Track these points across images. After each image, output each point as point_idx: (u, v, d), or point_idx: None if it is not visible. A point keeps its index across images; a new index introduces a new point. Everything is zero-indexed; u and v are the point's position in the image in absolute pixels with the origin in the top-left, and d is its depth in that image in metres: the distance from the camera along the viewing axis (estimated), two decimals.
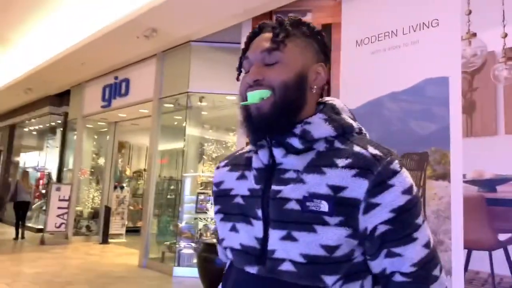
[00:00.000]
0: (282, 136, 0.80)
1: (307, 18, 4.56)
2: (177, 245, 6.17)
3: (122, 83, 7.90)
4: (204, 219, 6.55)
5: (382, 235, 0.74)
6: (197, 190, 6.79)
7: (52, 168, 11.24)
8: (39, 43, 8.17)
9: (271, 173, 0.81)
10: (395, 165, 0.75)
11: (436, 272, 0.77)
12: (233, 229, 0.85)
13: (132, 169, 12.02)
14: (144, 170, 11.32)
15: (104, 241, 8.80)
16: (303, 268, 0.74)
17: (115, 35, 6.34)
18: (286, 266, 0.75)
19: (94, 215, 9.76)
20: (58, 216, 8.75)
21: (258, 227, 0.80)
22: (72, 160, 10.06)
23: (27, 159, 13.85)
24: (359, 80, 3.91)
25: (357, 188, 0.73)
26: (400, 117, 3.59)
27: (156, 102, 6.91)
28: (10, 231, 9.82)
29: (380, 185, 0.73)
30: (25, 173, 10.94)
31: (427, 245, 0.76)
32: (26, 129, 13.68)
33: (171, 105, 6.92)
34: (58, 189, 8.87)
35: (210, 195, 6.86)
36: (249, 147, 0.91)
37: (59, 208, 8.76)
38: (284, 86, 0.79)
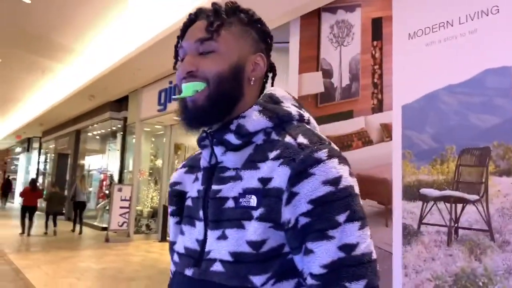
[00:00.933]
0: (221, 133, 0.77)
1: (356, 13, 4.47)
2: None
3: (176, 88, 8.21)
4: None
5: (302, 228, 0.67)
6: None
7: (114, 170, 11.93)
8: (100, 52, 8.71)
9: (213, 172, 0.79)
10: (321, 153, 0.69)
11: (351, 285, 0.64)
12: (181, 232, 0.84)
13: None
14: None
15: (163, 239, 9.20)
16: (231, 268, 0.70)
17: (168, 41, 6.60)
18: (216, 267, 0.72)
19: (153, 214, 10.23)
20: (120, 215, 9.27)
21: (199, 229, 0.78)
22: (131, 162, 10.60)
23: (91, 162, 14.81)
24: (413, 74, 3.77)
25: (280, 177, 0.70)
26: (458, 111, 3.41)
27: None
28: (82, 229, 10.54)
29: (301, 173, 0.68)
30: (83, 177, 11.89)
31: (345, 248, 0.65)
32: (90, 134, 14.62)
33: None
34: (119, 190, 9.40)
35: None
36: None
37: (121, 207, 9.28)
38: (218, 78, 0.75)
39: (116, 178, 11.50)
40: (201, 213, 0.79)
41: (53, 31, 7.92)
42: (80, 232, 10.52)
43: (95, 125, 13.27)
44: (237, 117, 0.77)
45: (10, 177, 24.33)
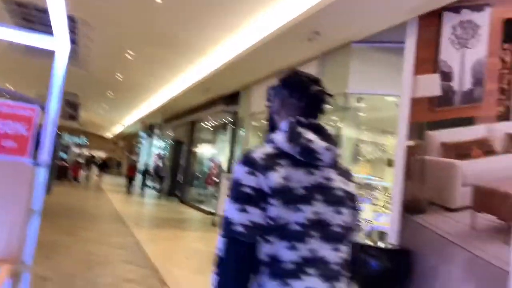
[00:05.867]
0: None
1: (484, 12, 4.09)
2: None
3: None
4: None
5: None
6: None
7: (223, 159, 12.72)
8: (218, 50, 9.35)
9: None
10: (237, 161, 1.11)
11: (221, 232, 1.04)
12: None
13: None
14: None
15: None
16: None
17: (281, 39, 6.81)
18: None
19: None
20: None
21: None
22: (239, 153, 11.19)
23: (203, 150, 15.98)
24: None
25: None
26: None
27: None
28: (191, 212, 11.51)
29: None
30: (162, 158, 18.38)
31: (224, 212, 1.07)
32: (203, 125, 15.78)
33: (329, 106, 7.06)
34: (228, 179, 10.02)
35: (364, 196, 6.77)
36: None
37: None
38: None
39: (224, 167, 12.26)
40: None
41: (180, 30, 8.72)
42: (160, 196, 16.75)
43: (208, 117, 14.27)
44: None
45: (134, 159, 27.56)
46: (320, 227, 1.05)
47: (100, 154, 35.37)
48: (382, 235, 6.34)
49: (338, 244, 1.08)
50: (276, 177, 1.03)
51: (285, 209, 1.01)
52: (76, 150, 32.09)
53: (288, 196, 1.02)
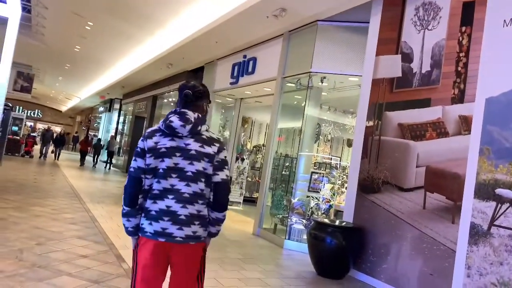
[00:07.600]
0: None
1: None
2: (288, 220, 6.42)
3: (250, 62, 8.31)
4: (316, 198, 6.64)
5: None
6: (311, 169, 6.89)
7: None
8: (181, 23, 9.04)
9: None
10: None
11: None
12: None
13: (252, 143, 12.67)
14: (263, 145, 11.84)
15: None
16: None
17: (247, 14, 6.66)
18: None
19: None
20: None
21: None
22: None
23: None
24: (504, 65, 3.47)
25: None
26: None
27: (279, 81, 7.12)
28: None
29: None
30: (112, 137, 19.15)
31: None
32: (165, 100, 15.39)
33: (293, 85, 7.06)
34: None
35: (323, 175, 6.90)
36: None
37: None
38: None
39: None
40: None
41: (142, 1, 8.34)
42: (109, 168, 17.48)
43: (171, 92, 13.92)
44: None
45: (92, 134, 26.62)
46: (177, 171, 1.84)
47: (55, 129, 33.88)
48: (338, 213, 6.51)
49: (191, 182, 1.85)
50: (151, 142, 1.87)
51: (155, 160, 1.85)
52: (29, 123, 30.55)
53: (156, 152, 1.85)
